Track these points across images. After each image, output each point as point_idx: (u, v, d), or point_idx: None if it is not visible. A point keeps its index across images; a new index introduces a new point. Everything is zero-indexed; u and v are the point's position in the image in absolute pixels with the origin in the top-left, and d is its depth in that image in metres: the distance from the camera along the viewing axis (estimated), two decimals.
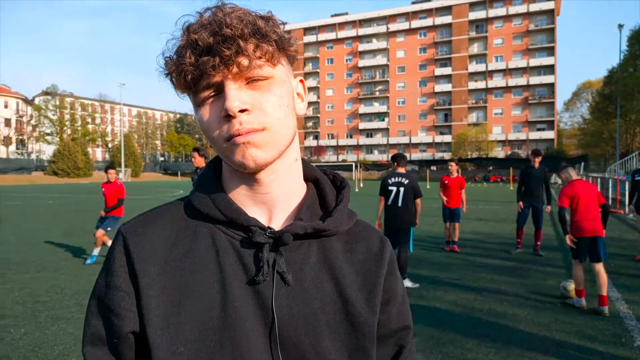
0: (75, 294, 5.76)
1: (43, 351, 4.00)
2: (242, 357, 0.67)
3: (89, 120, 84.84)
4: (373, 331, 0.75)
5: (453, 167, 8.99)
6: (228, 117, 0.66)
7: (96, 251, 7.87)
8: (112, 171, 8.28)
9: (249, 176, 0.73)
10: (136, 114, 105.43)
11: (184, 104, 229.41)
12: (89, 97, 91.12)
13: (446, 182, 9.00)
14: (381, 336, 0.79)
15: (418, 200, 6.23)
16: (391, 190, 6.20)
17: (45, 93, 77.38)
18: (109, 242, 7.75)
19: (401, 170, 6.42)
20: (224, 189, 0.76)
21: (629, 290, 5.92)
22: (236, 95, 0.66)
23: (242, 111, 0.66)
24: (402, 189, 6.12)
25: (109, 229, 8.01)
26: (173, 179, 71.71)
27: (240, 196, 0.75)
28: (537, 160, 8.46)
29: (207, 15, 0.68)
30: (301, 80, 0.79)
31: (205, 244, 0.72)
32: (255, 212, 0.75)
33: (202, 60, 0.65)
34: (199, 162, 6.36)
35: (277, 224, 0.75)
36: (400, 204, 6.11)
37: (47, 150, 78.94)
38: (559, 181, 46.60)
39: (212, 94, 0.68)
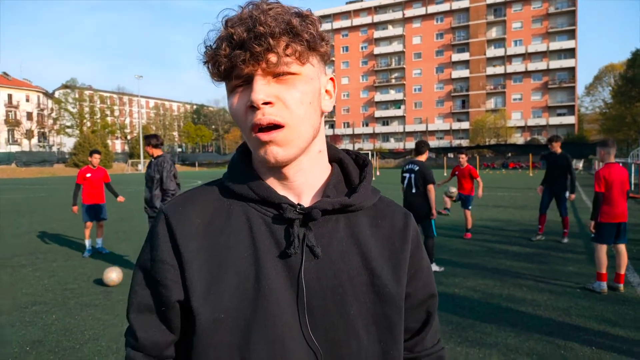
0: (103, 282, 5.94)
1: (74, 336, 4.17)
2: (274, 324, 0.72)
3: (108, 112, 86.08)
4: (398, 302, 0.80)
5: (463, 158, 9.21)
6: (253, 107, 0.72)
7: (100, 242, 8.02)
8: (97, 155, 8.00)
9: (275, 169, 0.79)
10: (154, 106, 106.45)
11: (200, 95, 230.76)
12: (108, 90, 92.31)
13: (456, 172, 9.32)
14: (411, 306, 0.85)
15: (429, 187, 6.13)
16: (405, 177, 6.32)
17: (65, 87, 78.65)
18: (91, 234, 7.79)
19: (420, 158, 6.46)
20: (255, 171, 0.82)
21: None
22: (262, 88, 0.71)
23: (266, 103, 0.72)
24: (412, 176, 6.20)
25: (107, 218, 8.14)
26: (191, 169, 72.44)
27: (269, 181, 0.80)
28: (556, 145, 8.30)
29: (247, 10, 0.73)
30: (332, 78, 0.83)
31: (239, 221, 0.78)
32: (283, 193, 0.80)
33: (235, 53, 0.71)
34: (155, 151, 6.10)
35: (306, 202, 0.81)
36: (414, 190, 6.17)
37: (67, 143, 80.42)
38: (580, 166, 45.88)
39: (242, 83, 0.74)
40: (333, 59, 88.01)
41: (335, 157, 0.87)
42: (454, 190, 8.92)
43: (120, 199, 8.34)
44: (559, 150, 8.31)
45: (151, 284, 0.77)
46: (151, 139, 6.11)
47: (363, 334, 0.77)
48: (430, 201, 6.11)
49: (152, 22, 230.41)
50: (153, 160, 6.03)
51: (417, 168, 6.24)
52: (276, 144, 0.73)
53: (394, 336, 0.80)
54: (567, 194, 8.17)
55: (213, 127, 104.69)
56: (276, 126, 0.73)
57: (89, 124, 79.14)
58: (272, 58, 0.71)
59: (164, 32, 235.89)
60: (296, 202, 0.79)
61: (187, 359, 0.77)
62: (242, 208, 0.79)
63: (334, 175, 0.84)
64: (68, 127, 76.56)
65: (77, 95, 77.39)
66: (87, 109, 79.65)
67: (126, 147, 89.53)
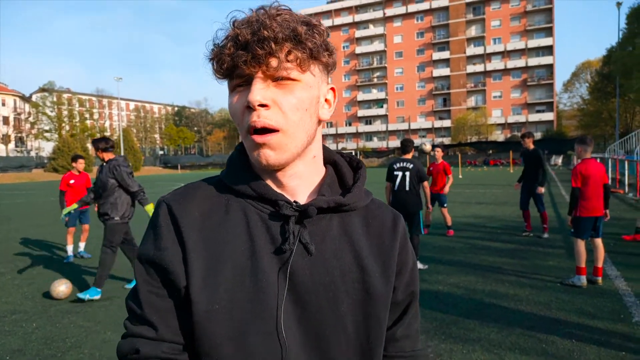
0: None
1: (55, 344, 4.10)
2: (269, 318, 0.75)
3: (87, 115, 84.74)
4: (387, 299, 0.83)
5: (439, 153, 9.20)
6: (249, 108, 0.74)
7: (82, 246, 7.97)
8: (82, 161, 7.84)
9: (270, 171, 0.81)
10: (134, 108, 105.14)
11: (182, 97, 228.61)
12: (86, 93, 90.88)
13: (431, 168, 9.21)
14: (391, 302, 0.86)
15: (425, 184, 6.40)
16: (397, 175, 6.33)
17: (42, 90, 77.35)
18: (72, 241, 7.75)
19: (407, 156, 6.53)
20: (252, 168, 0.84)
21: (627, 268, 6.00)
22: (259, 90, 0.73)
23: (262, 105, 0.74)
24: (407, 174, 6.26)
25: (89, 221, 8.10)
26: (173, 172, 71.77)
27: (265, 179, 0.83)
28: (528, 141, 8.49)
29: (256, 14, 0.75)
30: (332, 88, 0.86)
31: (236, 216, 0.80)
32: (279, 192, 0.82)
33: (238, 53, 0.73)
34: (106, 155, 5.65)
35: (301, 201, 0.83)
36: (407, 187, 6.24)
37: (46, 147, 78.97)
38: (559, 162, 46.74)
39: (243, 83, 0.77)
40: None
41: (329, 159, 0.90)
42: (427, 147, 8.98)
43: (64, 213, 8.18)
44: (531, 146, 8.49)
45: (159, 273, 0.78)
46: (99, 143, 5.63)
47: (351, 330, 0.79)
48: (425, 197, 6.44)
49: (131, 22, 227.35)
50: (105, 164, 5.57)
51: (411, 166, 6.30)
52: (269, 147, 0.75)
53: (381, 332, 0.83)
54: (539, 188, 8.30)
55: (195, 129, 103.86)
56: (270, 130, 0.75)
57: (67, 127, 77.83)
58: (273, 62, 0.73)
59: (144, 33, 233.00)
60: (291, 198, 0.82)
61: (189, 347, 0.79)
62: (240, 204, 0.81)
63: (328, 176, 0.87)
64: (46, 131, 75.16)
65: (55, 99, 75.99)
66: (65, 113, 78.32)
67: None
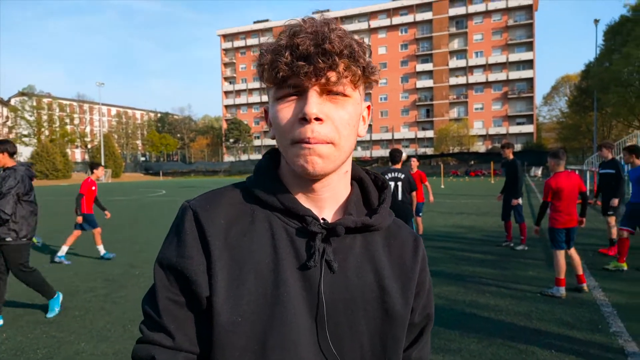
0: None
1: (26, 355, 3.95)
2: (289, 332, 0.74)
3: (68, 120, 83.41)
4: (405, 320, 0.83)
5: (414, 163, 9.34)
6: (303, 120, 0.73)
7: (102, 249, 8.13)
8: (102, 168, 8.17)
9: (305, 181, 0.80)
10: (116, 114, 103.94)
11: (164, 103, 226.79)
12: (67, 98, 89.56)
13: None
14: (408, 324, 0.86)
15: (414, 193, 6.64)
16: (394, 185, 6.49)
17: (22, 94, 75.87)
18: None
19: (396, 166, 6.63)
20: (281, 180, 0.83)
21: (605, 279, 6.08)
22: (316, 104, 0.73)
23: (317, 119, 0.73)
24: (399, 184, 6.39)
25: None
26: (155, 179, 70.94)
27: (294, 191, 0.82)
28: (508, 152, 8.55)
29: (312, 25, 0.74)
30: (368, 106, 0.86)
31: (262, 227, 0.79)
32: (306, 205, 0.82)
33: (298, 64, 0.72)
34: (6, 161, 4.89)
35: (327, 216, 0.83)
36: (400, 197, 6.36)
37: (24, 152, 77.30)
38: (539, 173, 47.49)
39: (294, 93, 0.75)
40: None
41: (355, 176, 0.90)
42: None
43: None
44: (510, 157, 8.54)
45: (180, 280, 0.77)
46: (7, 145, 4.89)
47: (368, 349, 0.80)
48: (412, 206, 6.64)
49: (115, 26, 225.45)
50: (4, 170, 4.83)
51: (403, 176, 6.44)
52: (319, 155, 0.74)
53: (397, 353, 0.83)
54: (514, 200, 8.39)
55: (178, 135, 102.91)
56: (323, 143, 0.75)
57: (47, 132, 76.44)
58: (333, 77, 0.73)
59: (127, 38, 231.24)
60: (318, 213, 0.82)
61: (205, 358, 0.78)
62: (265, 215, 0.80)
63: (354, 194, 0.87)
64: (25, 135, 73.65)
65: (34, 103, 74.62)
66: (45, 117, 76.95)
67: (87, 157, 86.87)
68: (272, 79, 0.75)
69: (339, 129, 0.75)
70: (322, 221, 0.79)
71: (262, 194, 0.81)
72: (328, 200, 0.83)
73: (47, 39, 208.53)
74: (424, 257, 0.91)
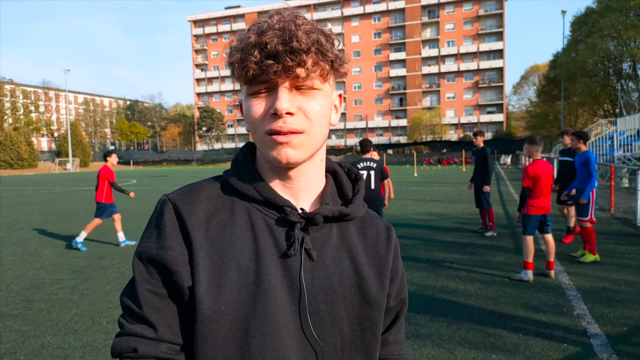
0: (23, 290, 5.53)
1: None
2: (271, 319, 0.76)
3: (32, 108, 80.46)
4: (381, 304, 0.87)
5: (374, 152, 8.75)
6: (275, 115, 0.76)
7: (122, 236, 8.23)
8: (115, 155, 8.43)
9: (280, 170, 0.83)
10: (83, 101, 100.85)
11: (134, 91, 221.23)
12: (32, 84, 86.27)
13: None
14: (385, 309, 0.90)
15: (387, 181, 6.68)
16: (362, 175, 6.42)
17: None
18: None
19: (367, 155, 6.65)
20: (258, 172, 0.85)
21: (570, 263, 6.28)
22: (286, 100, 0.75)
23: (288, 114, 0.76)
24: (372, 172, 6.43)
25: None
26: (125, 168, 69.39)
27: (271, 182, 0.85)
28: (480, 139, 8.66)
29: (279, 21, 0.76)
30: (339, 94, 0.89)
31: (241, 218, 0.81)
32: (284, 195, 0.84)
33: (267, 63, 0.73)
34: None
35: (304, 207, 0.86)
36: (373, 186, 6.39)
37: None
38: (508, 161, 48.55)
39: (265, 89, 0.78)
40: None
41: (329, 169, 0.93)
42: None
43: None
44: (481, 145, 8.67)
45: (161, 272, 0.78)
46: None
47: (347, 333, 0.83)
48: (385, 194, 6.71)
49: (80, 10, 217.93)
50: None
51: (375, 165, 6.48)
52: (291, 146, 0.77)
53: (376, 336, 0.86)
54: (485, 187, 8.50)
55: (149, 123, 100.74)
56: (295, 132, 0.77)
57: (10, 120, 73.68)
58: (302, 73, 0.75)
59: (93, 23, 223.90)
60: (297, 206, 0.84)
61: (187, 348, 0.79)
62: (244, 207, 0.83)
63: (329, 186, 0.90)
64: None
65: None
66: (8, 105, 74.04)
67: (53, 145, 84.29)
68: (242, 77, 0.77)
69: (310, 119, 0.78)
70: (300, 211, 0.82)
71: (241, 186, 0.83)
72: (304, 190, 0.86)
73: (8, 23, 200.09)
74: (397, 245, 0.95)
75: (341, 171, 0.94)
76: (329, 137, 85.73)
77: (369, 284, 0.85)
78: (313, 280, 0.81)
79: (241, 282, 0.77)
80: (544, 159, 5.81)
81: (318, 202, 0.88)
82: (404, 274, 0.97)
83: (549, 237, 5.74)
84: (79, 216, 12.45)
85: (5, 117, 72.73)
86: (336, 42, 0.81)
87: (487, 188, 8.47)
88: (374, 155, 8.61)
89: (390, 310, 0.94)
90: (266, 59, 0.74)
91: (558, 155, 8.06)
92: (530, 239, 5.61)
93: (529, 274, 5.48)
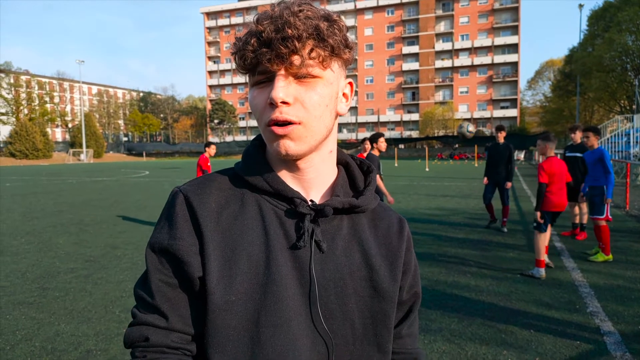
0: (38, 278, 5.61)
1: (5, 337, 3.90)
2: (281, 310, 0.77)
3: (47, 99, 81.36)
4: (393, 297, 0.86)
5: (367, 146, 7.49)
6: (272, 105, 0.76)
7: None
8: (214, 146, 8.94)
9: (288, 161, 0.83)
10: (97, 93, 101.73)
11: (147, 82, 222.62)
12: (46, 75, 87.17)
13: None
14: (397, 302, 0.90)
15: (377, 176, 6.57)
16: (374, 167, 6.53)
17: None
18: None
19: (372, 150, 6.70)
20: (269, 164, 0.85)
21: (583, 260, 6.21)
22: (282, 88, 0.74)
23: (284, 103, 0.75)
24: None
25: None
26: (138, 159, 70.03)
27: (281, 173, 0.85)
28: (501, 135, 8.50)
29: (279, 9, 0.76)
30: (350, 83, 0.87)
31: (252, 210, 0.82)
32: (294, 187, 0.84)
33: (261, 51, 0.74)
34: None
35: (315, 198, 0.86)
36: None
37: (2, 131, 75.52)
38: (521, 157, 48.04)
39: (264, 79, 0.77)
40: None
41: (341, 161, 0.93)
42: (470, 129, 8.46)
43: None
44: (502, 141, 8.52)
45: (172, 262, 0.78)
46: None
47: (359, 326, 0.83)
48: (379, 189, 6.54)
49: (95, 3, 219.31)
50: None
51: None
52: (289, 138, 0.77)
53: (388, 329, 0.86)
54: (507, 183, 8.44)
55: (162, 115, 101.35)
56: (292, 122, 0.77)
57: (26, 111, 74.62)
58: (296, 60, 0.74)
59: (108, 15, 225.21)
60: (305, 195, 0.84)
61: (199, 338, 0.79)
62: (255, 198, 0.83)
63: (341, 177, 0.89)
64: (2, 114, 71.76)
65: (12, 80, 72.53)
66: (24, 95, 74.97)
67: (67, 136, 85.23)
68: (242, 66, 0.78)
69: (308, 109, 0.76)
70: (310, 203, 0.82)
71: (251, 178, 0.83)
72: (314, 182, 0.85)
73: (25, 15, 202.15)
74: (409, 237, 0.94)
75: (353, 163, 0.93)
76: (340, 130, 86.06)
77: (380, 276, 0.85)
78: (323, 272, 0.81)
79: (251, 273, 0.77)
80: (557, 156, 5.73)
81: (329, 193, 0.87)
82: (417, 267, 0.96)
83: (547, 233, 5.72)
84: (92, 206, 12.60)
85: (21, 107, 73.69)
86: (343, 27, 0.79)
87: (510, 184, 8.43)
88: (375, 149, 8.08)
89: (403, 304, 0.93)
90: (261, 47, 0.74)
91: (564, 150, 7.87)
92: (542, 236, 5.55)
93: (541, 272, 5.43)
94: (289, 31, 0.73)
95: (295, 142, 0.77)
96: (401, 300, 0.91)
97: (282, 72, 0.75)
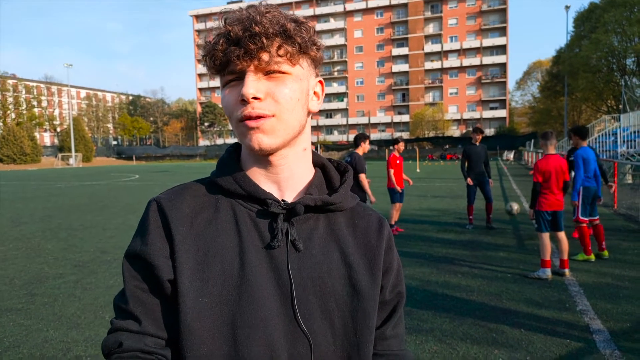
0: (26, 284, 5.55)
1: None
2: (257, 310, 0.77)
3: (35, 103, 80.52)
4: (373, 296, 0.85)
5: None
6: (243, 101, 0.77)
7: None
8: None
9: (261, 159, 0.83)
10: (85, 96, 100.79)
11: (136, 86, 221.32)
12: (34, 79, 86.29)
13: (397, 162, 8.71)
14: (380, 302, 0.89)
15: (360, 176, 6.62)
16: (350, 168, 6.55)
17: None
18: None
19: (357, 150, 6.85)
20: (242, 169, 0.87)
21: (572, 259, 6.26)
22: (253, 84, 0.76)
23: (255, 98, 0.76)
24: None
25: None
26: (128, 163, 69.51)
27: (255, 174, 0.85)
28: (479, 137, 8.84)
29: (246, 12, 0.78)
30: (320, 82, 0.88)
31: (226, 214, 0.83)
32: (268, 189, 0.85)
33: (231, 49, 0.76)
34: None
35: (289, 199, 0.86)
36: None
37: None
38: (511, 157, 48.40)
39: (235, 78, 0.79)
40: None
41: (318, 163, 0.93)
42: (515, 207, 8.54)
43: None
44: (478, 143, 8.88)
45: (143, 267, 0.79)
46: None
47: (339, 325, 0.82)
48: (363, 189, 6.68)
49: (82, 6, 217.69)
50: None
51: (349, 159, 6.66)
52: (262, 131, 0.77)
53: (369, 328, 0.85)
54: (490, 180, 8.88)
55: (151, 119, 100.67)
56: (264, 116, 0.78)
57: (13, 115, 73.78)
58: (265, 56, 0.76)
59: (96, 18, 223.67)
60: (279, 195, 0.85)
61: (173, 342, 0.79)
62: (229, 203, 0.84)
63: (316, 178, 0.90)
64: None
65: None
66: (11, 100, 74.14)
67: (56, 140, 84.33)
68: (212, 67, 0.79)
69: (280, 102, 0.78)
70: (282, 202, 0.82)
71: (225, 183, 0.84)
72: (289, 181, 0.85)
73: (10, 18, 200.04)
74: (390, 236, 0.93)
75: (329, 164, 0.94)
76: (331, 132, 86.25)
77: (358, 274, 0.84)
78: (301, 271, 0.80)
79: (225, 275, 0.77)
80: (558, 154, 5.67)
81: (303, 193, 0.87)
82: (401, 267, 0.95)
83: (562, 234, 5.58)
84: (81, 211, 12.48)
85: (8, 112, 72.87)
86: (310, 29, 0.81)
87: (492, 182, 8.91)
88: (359, 148, 7.72)
89: (387, 304, 0.92)
90: (230, 45, 0.76)
91: (567, 154, 8.03)
92: (545, 235, 5.50)
93: (547, 272, 5.38)
94: (257, 28, 0.74)
95: (268, 135, 0.78)
96: (384, 300, 0.90)
97: (252, 69, 0.76)
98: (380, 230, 0.91)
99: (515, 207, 8.21)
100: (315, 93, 0.87)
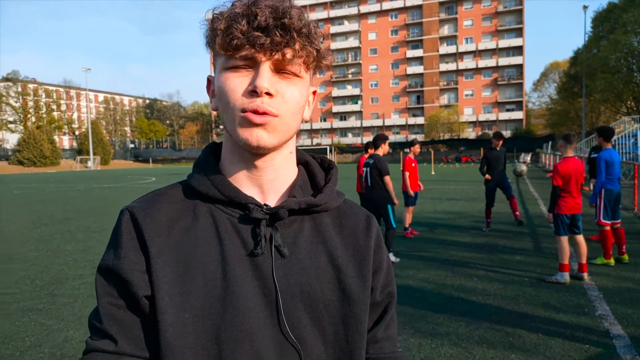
0: (47, 285, 5.66)
1: (14, 343, 3.93)
2: (242, 323, 0.72)
3: (54, 107, 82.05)
4: (364, 299, 0.81)
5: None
6: (254, 93, 0.71)
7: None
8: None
9: (247, 159, 0.78)
10: (103, 100, 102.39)
11: (152, 89, 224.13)
12: (53, 83, 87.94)
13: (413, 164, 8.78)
14: (370, 303, 0.85)
15: (385, 178, 6.43)
16: (365, 171, 6.60)
17: (6, 79, 74.27)
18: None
19: (377, 152, 6.74)
20: (221, 171, 0.81)
21: (591, 263, 6.16)
22: (268, 79, 0.71)
23: (267, 94, 0.71)
24: (368, 169, 6.45)
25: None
26: (144, 166, 70.39)
27: (237, 177, 0.80)
28: (499, 143, 8.98)
29: (272, 1, 0.71)
30: (314, 92, 0.86)
31: (205, 221, 0.77)
32: (250, 192, 0.80)
33: (255, 34, 0.69)
34: None
35: (272, 202, 0.81)
36: (369, 183, 6.43)
37: (10, 139, 76.27)
38: (528, 160, 47.85)
39: (246, 65, 0.72)
40: None
41: (301, 160, 0.88)
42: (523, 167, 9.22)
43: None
44: (498, 147, 9.01)
45: (118, 283, 0.73)
46: None
47: (329, 332, 0.78)
48: (389, 192, 6.42)
49: (100, 10, 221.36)
50: None
51: (372, 162, 6.48)
52: (264, 128, 0.73)
53: (361, 333, 0.81)
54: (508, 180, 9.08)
55: (167, 122, 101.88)
56: (270, 114, 0.74)
57: (33, 119, 75.29)
58: (288, 54, 0.71)
59: (113, 22, 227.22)
60: (262, 199, 0.80)
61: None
62: (208, 208, 0.78)
63: (300, 177, 0.85)
64: (10, 122, 72.51)
65: (19, 89, 73.24)
66: (31, 104, 75.67)
67: (74, 143, 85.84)
68: (225, 46, 0.71)
69: (288, 104, 0.74)
70: (264, 207, 0.77)
71: (203, 188, 0.78)
72: (273, 183, 0.81)
73: (31, 23, 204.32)
74: (378, 235, 0.88)
75: (313, 162, 0.89)
76: (345, 135, 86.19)
77: (348, 278, 0.80)
78: (287, 278, 0.76)
79: (208, 287, 0.72)
80: (576, 157, 5.58)
81: (286, 196, 0.82)
82: (391, 266, 0.90)
83: (580, 238, 5.50)
84: (99, 213, 12.68)
85: (29, 115, 74.35)
86: (323, 38, 0.78)
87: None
88: (379, 150, 7.80)
89: (377, 305, 0.87)
90: (254, 30, 0.69)
91: (589, 153, 8.09)
92: (564, 239, 5.42)
93: (565, 276, 5.31)
94: (288, 22, 0.69)
95: (269, 134, 0.73)
96: (375, 301, 0.86)
97: (271, 62, 0.71)
98: (368, 229, 0.87)
99: (524, 167, 8.29)
100: (307, 101, 0.84)
